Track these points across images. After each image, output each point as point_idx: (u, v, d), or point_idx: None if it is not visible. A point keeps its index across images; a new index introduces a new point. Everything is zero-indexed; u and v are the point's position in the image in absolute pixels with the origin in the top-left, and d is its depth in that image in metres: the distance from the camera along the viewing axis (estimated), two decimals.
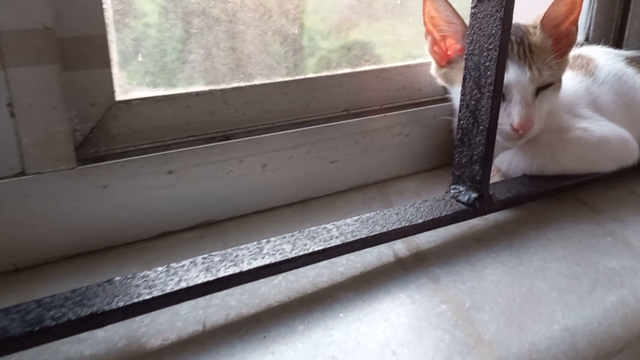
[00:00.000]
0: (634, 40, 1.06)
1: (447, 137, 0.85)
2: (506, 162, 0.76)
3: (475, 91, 0.63)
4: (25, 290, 0.56)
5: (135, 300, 0.47)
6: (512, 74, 0.69)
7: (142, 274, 0.50)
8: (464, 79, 0.64)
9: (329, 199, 0.77)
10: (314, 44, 0.79)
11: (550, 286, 0.58)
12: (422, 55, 0.83)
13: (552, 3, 0.72)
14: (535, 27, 0.74)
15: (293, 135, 0.73)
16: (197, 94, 0.68)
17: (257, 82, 0.72)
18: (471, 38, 0.62)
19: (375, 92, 0.81)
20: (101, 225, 0.62)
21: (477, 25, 0.61)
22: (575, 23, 0.75)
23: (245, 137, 0.70)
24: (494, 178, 0.76)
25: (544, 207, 0.75)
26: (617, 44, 1.06)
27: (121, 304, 0.47)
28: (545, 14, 0.74)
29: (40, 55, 0.54)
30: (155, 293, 0.48)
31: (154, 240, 0.66)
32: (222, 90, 0.69)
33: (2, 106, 0.54)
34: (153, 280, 0.49)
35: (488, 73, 0.61)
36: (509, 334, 0.51)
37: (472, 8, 0.61)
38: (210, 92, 0.68)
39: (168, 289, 0.49)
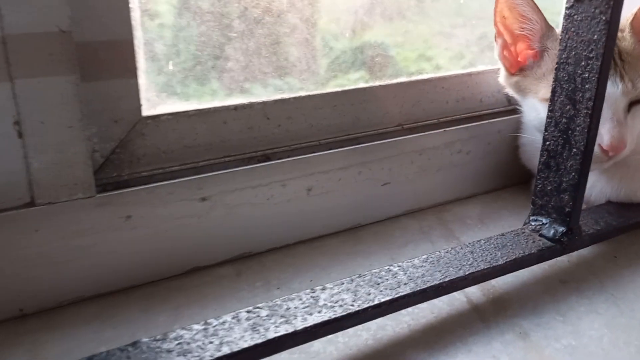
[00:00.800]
0: None
1: (511, 155, 0.75)
2: (589, 188, 0.66)
3: (568, 107, 0.53)
4: (33, 342, 0.48)
5: None
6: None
7: (174, 334, 0.40)
8: (554, 92, 0.54)
9: (381, 226, 0.67)
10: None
11: None
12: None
13: None
14: (623, 31, 0.63)
15: (342, 154, 0.63)
16: (235, 107, 0.58)
17: (302, 93, 0.62)
18: (565, 44, 0.52)
19: (432, 104, 0.72)
20: (123, 262, 0.53)
21: (573, 29, 0.51)
22: None
23: (289, 157, 0.60)
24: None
25: (631, 239, 0.64)
26: None
27: None
28: (636, 14, 0.63)
29: (54, 64, 0.45)
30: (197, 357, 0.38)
31: (184, 278, 0.56)
32: (263, 103, 0.60)
33: (9, 125, 0.45)
34: (189, 343, 0.40)
35: (586, 86, 0.51)
36: None
37: (567, 9, 0.51)
38: (250, 105, 0.59)
39: (207, 356, 0.39)
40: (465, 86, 0.74)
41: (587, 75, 0.51)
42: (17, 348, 0.47)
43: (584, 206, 0.65)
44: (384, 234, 0.66)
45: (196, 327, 0.42)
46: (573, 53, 0.52)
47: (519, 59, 0.67)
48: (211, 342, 0.40)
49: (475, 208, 0.72)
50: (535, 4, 0.62)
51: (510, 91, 0.70)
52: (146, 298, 0.53)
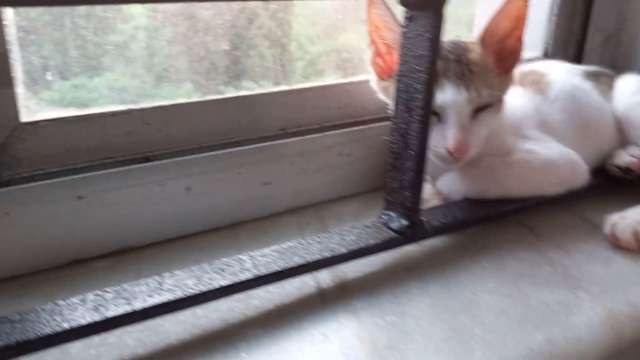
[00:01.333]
0: (595, 56, 1.03)
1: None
2: (447, 186, 0.73)
3: (405, 114, 0.60)
4: None
5: (7, 341, 0.43)
6: (449, 95, 0.66)
7: (21, 313, 0.46)
8: (395, 101, 0.61)
9: (261, 223, 0.73)
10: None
11: (474, 323, 0.54)
12: None
13: (493, 17, 0.69)
14: (474, 44, 0.70)
15: (222, 156, 0.69)
16: (114, 114, 0.64)
17: (181, 100, 0.68)
18: (402, 58, 0.59)
19: (315, 111, 0.78)
20: (2, 255, 0.58)
21: (407, 45, 0.58)
22: (520, 39, 0.71)
23: (169, 158, 0.66)
24: (434, 202, 0.72)
25: (485, 233, 0.71)
26: (577, 59, 1.03)
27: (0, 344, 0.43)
28: (485, 29, 0.70)
29: None
30: (34, 334, 0.44)
31: (63, 270, 0.62)
32: (141, 109, 0.65)
33: None
34: (33, 322, 0.45)
35: (417, 96, 0.58)
36: None
37: (402, 28, 0.58)
38: (129, 111, 0.65)
39: (47, 331, 0.45)
40: (347, 94, 0.80)
41: (417, 86, 0.58)
42: None
43: (439, 202, 0.72)
44: (262, 229, 0.72)
45: (46, 307, 0.47)
46: (407, 66, 0.59)
47: (391, 66, 0.74)
48: (54, 320, 0.46)
49: (354, 206, 0.79)
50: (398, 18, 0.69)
51: (382, 96, 0.76)
52: (23, 287, 0.58)
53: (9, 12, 0.56)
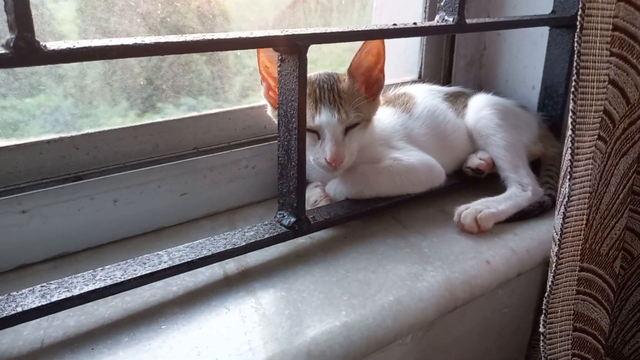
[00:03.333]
0: (460, 77, 1.24)
1: None
2: (332, 189, 0.90)
3: (286, 134, 0.76)
4: None
5: None
6: (324, 117, 0.83)
7: None
8: (278, 124, 0.77)
9: (181, 227, 0.88)
10: None
11: (344, 292, 0.71)
12: None
13: (357, 53, 0.86)
14: (343, 75, 0.88)
15: (143, 173, 0.83)
16: (48, 141, 0.77)
17: (106, 128, 0.82)
18: (280, 91, 0.75)
19: (222, 132, 0.93)
20: None
21: (282, 81, 0.75)
22: (382, 71, 0.89)
23: (97, 176, 0.80)
24: (322, 202, 0.89)
25: (364, 225, 0.89)
26: (447, 80, 1.24)
27: None
28: (351, 63, 0.88)
29: None
30: None
31: (10, 273, 0.74)
32: (71, 137, 0.79)
33: None
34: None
35: (293, 120, 0.74)
36: (296, 331, 0.63)
37: (278, 67, 0.75)
38: (61, 139, 0.78)
39: (4, 314, 0.58)
40: (250, 117, 0.96)
41: (292, 112, 0.74)
42: None
43: (327, 202, 0.89)
44: (181, 232, 0.86)
45: (1, 297, 0.60)
46: (284, 97, 0.75)
47: None
48: (9, 306, 0.59)
49: (261, 210, 0.94)
50: None
51: (275, 120, 0.92)
52: None
53: None
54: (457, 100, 1.07)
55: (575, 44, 0.56)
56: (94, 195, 0.79)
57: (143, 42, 0.59)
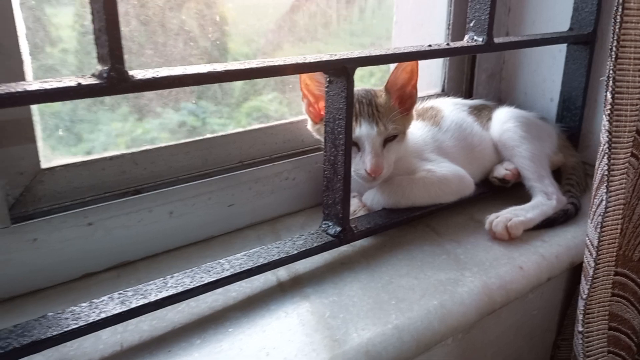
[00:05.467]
0: (481, 90, 1.30)
1: None
2: (369, 199, 0.96)
3: (333, 149, 0.82)
4: None
5: (65, 329, 0.61)
6: (364, 130, 0.88)
7: (70, 309, 0.64)
8: (325, 140, 0.83)
9: (228, 237, 0.93)
10: None
11: (391, 296, 0.77)
12: None
13: (393, 71, 0.92)
14: (381, 91, 0.94)
15: (194, 186, 0.88)
16: (110, 158, 0.82)
17: (161, 144, 0.88)
18: (328, 109, 0.81)
19: (265, 146, 0.99)
20: (31, 272, 0.75)
21: (330, 100, 0.80)
22: (415, 87, 0.95)
23: (154, 190, 0.85)
24: (360, 212, 0.95)
25: (400, 233, 0.94)
26: (469, 93, 1.29)
27: (55, 333, 0.61)
28: (388, 80, 0.94)
29: None
30: (81, 323, 0.62)
31: (77, 282, 0.79)
32: (131, 153, 0.84)
33: None
34: (79, 314, 0.64)
35: (340, 136, 0.80)
36: (353, 333, 0.69)
37: (325, 89, 0.80)
38: (122, 155, 0.83)
39: (91, 319, 0.63)
40: (289, 131, 1.02)
41: (339, 129, 0.80)
42: None
43: (365, 212, 0.95)
44: (228, 242, 0.91)
45: (84, 304, 0.65)
46: (331, 115, 0.81)
47: (320, 112, 0.96)
48: (93, 312, 0.64)
49: (301, 219, 1.00)
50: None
51: (316, 135, 0.98)
52: (50, 297, 0.75)
53: None
54: (481, 113, 1.13)
55: (610, 71, 0.62)
56: (152, 207, 0.84)
57: (215, 70, 0.64)
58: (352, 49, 1.13)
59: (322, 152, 1.01)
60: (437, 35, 1.28)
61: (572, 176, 1.10)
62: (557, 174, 1.11)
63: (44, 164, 0.77)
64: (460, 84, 1.28)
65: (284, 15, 1.15)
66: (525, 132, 1.07)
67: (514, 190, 1.06)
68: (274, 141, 1.00)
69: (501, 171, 1.06)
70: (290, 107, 1.15)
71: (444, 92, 1.26)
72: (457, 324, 0.76)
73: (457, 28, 1.22)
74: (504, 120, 1.08)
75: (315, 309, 0.74)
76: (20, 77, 0.72)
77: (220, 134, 0.95)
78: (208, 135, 0.93)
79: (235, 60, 1.03)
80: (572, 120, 1.22)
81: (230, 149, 0.95)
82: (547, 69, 1.28)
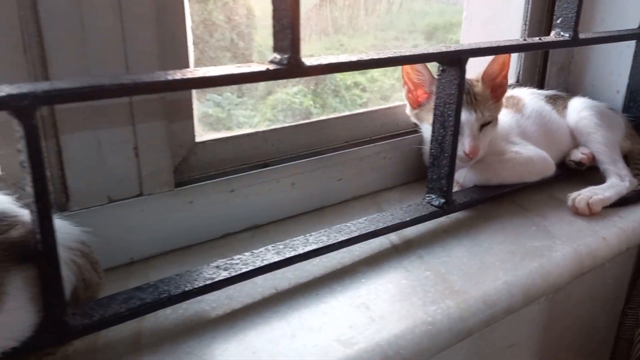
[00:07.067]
0: (552, 81, 1.40)
1: (418, 160, 1.15)
2: (462, 177, 1.07)
3: (441, 130, 0.93)
4: (142, 276, 0.82)
5: (237, 272, 0.74)
6: (464, 116, 0.99)
7: (240, 256, 0.77)
8: (434, 122, 0.94)
9: (337, 207, 1.05)
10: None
11: (495, 259, 0.88)
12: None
13: (489, 64, 1.03)
14: (477, 81, 1.05)
15: (310, 162, 1.01)
16: (248, 135, 0.95)
17: (285, 125, 1.00)
18: (438, 95, 0.92)
19: (367, 128, 1.11)
20: (187, 229, 0.88)
21: (441, 87, 0.91)
22: (505, 77, 1.06)
23: (279, 164, 0.97)
24: (455, 188, 1.06)
25: (490, 208, 1.05)
26: (540, 84, 1.39)
27: (226, 275, 0.74)
28: (484, 71, 1.05)
29: (155, 115, 0.81)
30: (250, 267, 0.75)
31: (220, 240, 0.92)
32: (263, 131, 0.97)
33: (130, 149, 0.80)
34: (245, 261, 0.76)
35: (449, 119, 0.91)
36: (470, 286, 0.80)
37: (437, 76, 0.91)
38: (255, 133, 0.96)
39: (257, 265, 0.76)
40: (387, 116, 1.13)
41: (450, 112, 0.91)
42: (132, 279, 0.81)
43: (459, 188, 1.06)
44: (338, 212, 1.04)
45: (247, 253, 0.78)
46: (442, 100, 0.92)
47: (418, 99, 1.08)
48: (257, 259, 0.77)
49: (396, 194, 1.12)
50: (426, 65, 1.03)
51: (413, 119, 1.10)
52: (200, 252, 0.88)
53: None
54: (557, 102, 1.23)
55: None
56: (279, 179, 0.97)
57: (362, 59, 0.76)
58: (377, 43, 1.21)
59: (415, 135, 1.14)
60: (509, 31, 1.38)
61: (639, 161, 1.20)
62: (624, 159, 1.20)
63: (198, 139, 0.90)
64: (533, 75, 1.38)
65: (313, 8, 1.20)
66: (599, 120, 1.17)
67: (585, 173, 1.16)
68: (373, 124, 1.12)
69: (578, 155, 1.16)
70: (315, 101, 1.22)
71: (518, 83, 1.36)
72: (554, 283, 0.87)
73: (533, 24, 1.32)
74: (579, 109, 1.18)
75: (431, 267, 0.86)
76: (185, 64, 0.85)
77: (331, 116, 1.07)
78: (322, 117, 1.06)
79: (260, 52, 1.11)
80: (638, 111, 1.31)
81: (338, 130, 1.07)
82: (614, 63, 1.37)
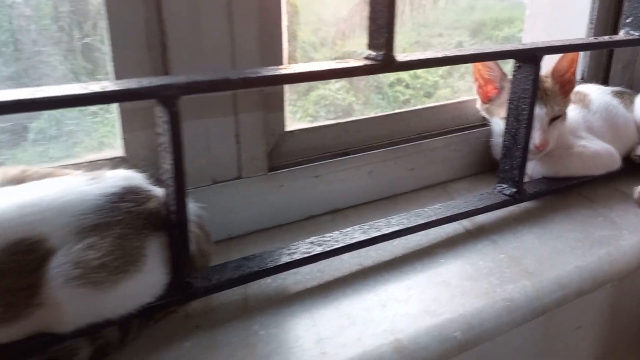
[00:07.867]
0: (617, 79, 1.42)
1: (486, 152, 1.21)
2: (531, 169, 1.12)
3: (515, 123, 0.99)
4: (240, 251, 0.90)
5: (331, 248, 0.82)
6: (536, 110, 1.04)
7: (330, 234, 0.85)
8: (508, 115, 1.00)
9: (409, 195, 1.12)
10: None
11: (565, 246, 0.93)
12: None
13: (558, 60, 1.08)
14: (547, 77, 1.09)
15: (386, 152, 1.08)
16: (329, 126, 1.03)
17: (362, 117, 1.08)
18: (513, 90, 0.98)
19: (438, 121, 1.17)
20: (277, 211, 0.97)
21: (516, 82, 0.97)
22: (574, 73, 1.10)
23: (358, 153, 1.05)
24: (524, 179, 1.11)
25: (558, 199, 1.10)
26: (604, 81, 1.42)
27: (320, 250, 0.82)
28: (554, 67, 1.09)
29: (255, 105, 0.89)
30: (342, 244, 0.83)
31: (303, 221, 1.00)
32: (343, 122, 1.04)
33: (232, 137, 0.89)
34: (336, 239, 0.84)
35: (524, 112, 0.97)
36: (543, 269, 0.86)
37: (513, 72, 0.97)
38: (337, 124, 1.04)
39: (347, 242, 0.83)
40: (457, 110, 1.19)
41: (524, 106, 0.97)
42: (231, 253, 0.89)
43: (528, 179, 1.11)
44: (411, 199, 1.10)
45: (336, 232, 0.86)
46: (517, 94, 0.97)
47: (488, 94, 1.13)
48: (346, 237, 0.85)
49: (465, 184, 1.17)
50: (497, 62, 1.08)
51: (483, 113, 1.15)
52: (288, 231, 0.97)
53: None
54: (623, 97, 1.26)
55: None
56: (358, 166, 1.04)
57: (447, 55, 0.83)
58: (420, 39, 1.25)
59: (483, 128, 1.20)
60: (573, 29, 1.41)
61: None
62: None
63: (287, 128, 0.98)
64: (598, 72, 1.41)
65: (358, 4, 1.21)
66: None
67: None
68: (444, 117, 1.18)
69: None
70: (357, 97, 1.24)
71: (583, 80, 1.40)
72: (621, 269, 0.91)
73: (600, 23, 1.35)
74: None
75: (505, 251, 0.92)
76: (279, 60, 0.93)
77: (404, 109, 1.13)
78: (396, 111, 1.12)
79: (302, 48, 1.12)
80: None
81: (411, 122, 1.14)
82: None
